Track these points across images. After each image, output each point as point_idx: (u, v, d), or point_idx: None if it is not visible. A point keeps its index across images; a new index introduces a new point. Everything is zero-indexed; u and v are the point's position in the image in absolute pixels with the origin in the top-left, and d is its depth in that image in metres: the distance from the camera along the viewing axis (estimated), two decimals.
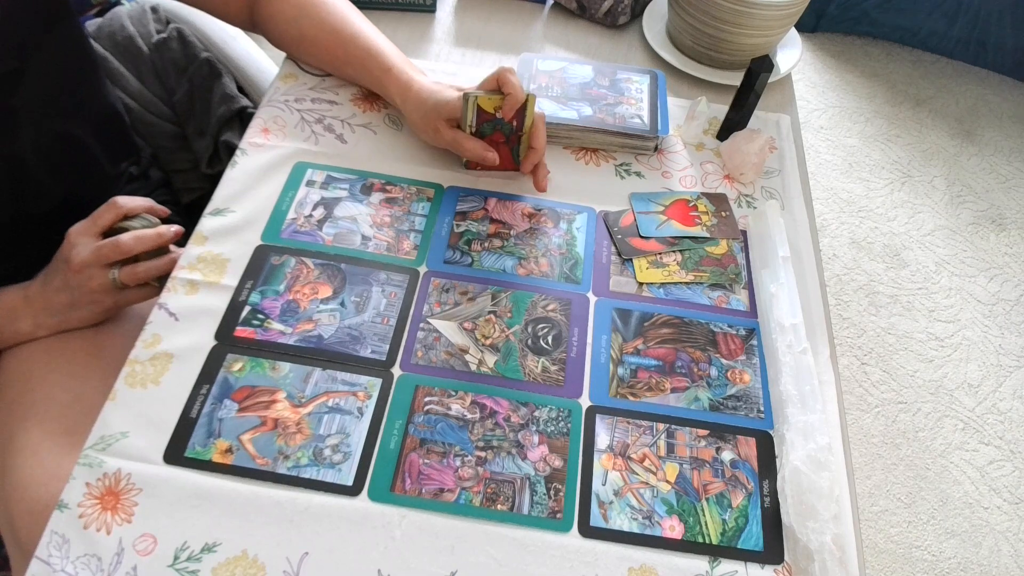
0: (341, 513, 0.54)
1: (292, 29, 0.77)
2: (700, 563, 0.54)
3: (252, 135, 0.75)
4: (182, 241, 0.68)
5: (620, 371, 0.63)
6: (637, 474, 0.58)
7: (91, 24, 0.92)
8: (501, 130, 0.72)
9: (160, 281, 0.68)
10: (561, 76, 0.83)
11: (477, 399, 0.60)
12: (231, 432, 0.57)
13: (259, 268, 0.66)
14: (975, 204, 1.85)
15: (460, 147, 0.71)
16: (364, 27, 0.76)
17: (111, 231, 0.68)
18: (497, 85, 0.69)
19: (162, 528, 0.52)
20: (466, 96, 0.69)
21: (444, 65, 0.87)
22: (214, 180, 0.74)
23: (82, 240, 0.66)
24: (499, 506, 0.55)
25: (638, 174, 0.78)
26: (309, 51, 0.79)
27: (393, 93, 0.74)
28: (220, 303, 0.63)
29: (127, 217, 0.68)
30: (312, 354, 0.61)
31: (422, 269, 0.68)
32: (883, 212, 1.81)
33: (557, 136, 0.79)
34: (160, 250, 0.69)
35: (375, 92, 0.78)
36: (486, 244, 0.70)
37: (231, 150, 0.81)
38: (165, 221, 0.71)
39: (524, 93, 0.68)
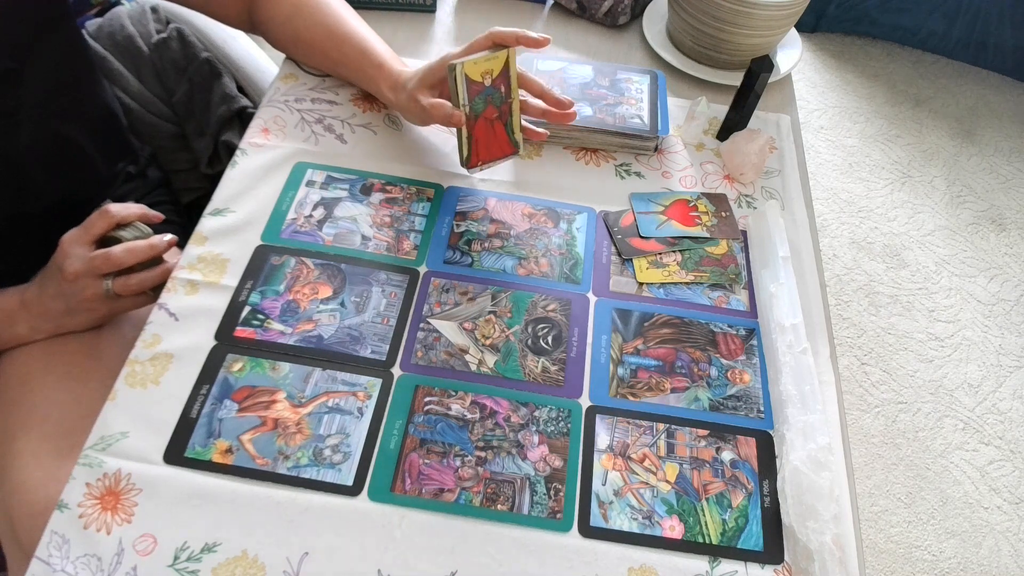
0: (341, 513, 0.54)
1: (288, 30, 0.77)
2: (700, 563, 0.54)
3: (252, 135, 0.75)
4: (181, 242, 0.68)
5: (620, 371, 0.63)
6: (637, 474, 0.58)
7: (91, 24, 0.92)
8: (493, 102, 0.68)
9: (155, 290, 0.68)
10: (561, 76, 0.83)
11: (477, 399, 0.60)
12: (231, 432, 0.57)
13: (259, 268, 0.66)
14: (975, 204, 1.85)
15: (432, 111, 0.67)
16: (358, 27, 0.76)
17: (104, 237, 0.67)
18: (485, 47, 0.66)
19: (162, 528, 0.52)
20: (451, 67, 0.64)
21: None
22: (214, 180, 0.74)
23: (75, 249, 0.65)
24: (499, 506, 0.55)
25: (638, 174, 0.78)
26: (305, 52, 0.79)
27: (385, 89, 0.73)
28: (220, 303, 0.63)
29: (120, 225, 0.68)
30: (312, 354, 0.61)
31: (422, 269, 0.68)
32: (883, 212, 1.81)
33: (557, 136, 0.79)
34: (154, 260, 0.68)
35: (370, 92, 0.78)
36: (486, 244, 0.70)
37: (231, 150, 0.81)
38: (160, 227, 0.71)
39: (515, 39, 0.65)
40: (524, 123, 0.72)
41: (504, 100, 0.69)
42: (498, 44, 0.66)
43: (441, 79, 0.67)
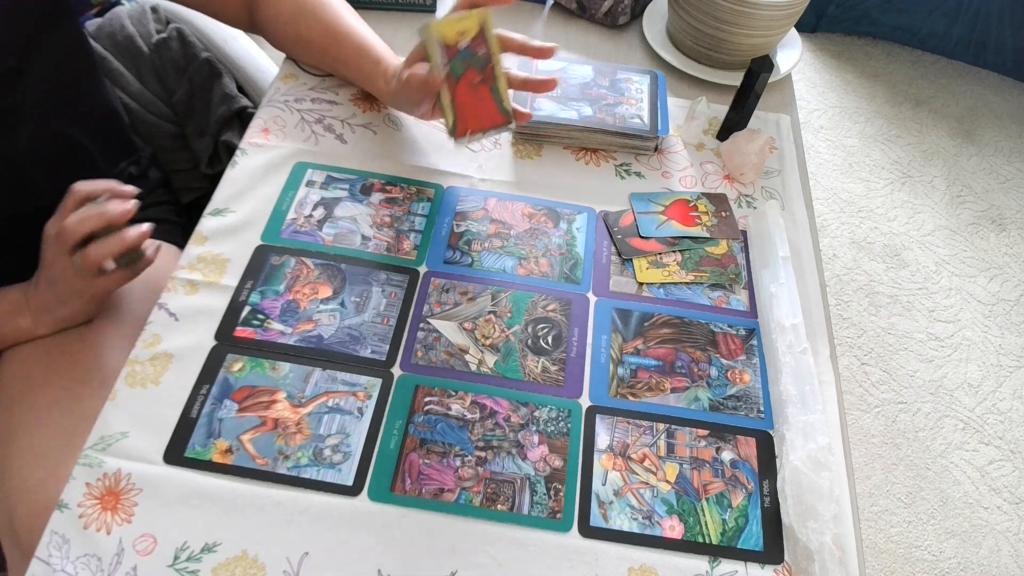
0: (341, 513, 0.54)
1: (289, 30, 0.77)
2: (700, 563, 0.54)
3: (252, 135, 0.75)
4: (181, 242, 0.68)
5: (620, 371, 0.63)
6: (637, 474, 0.58)
7: (91, 24, 0.92)
8: (473, 64, 0.64)
9: (126, 259, 0.64)
10: (561, 76, 0.82)
11: (477, 399, 0.60)
12: (231, 432, 0.57)
13: (259, 268, 0.66)
14: (975, 204, 1.85)
15: (410, 81, 0.65)
16: (357, 26, 0.76)
17: (91, 235, 0.65)
18: (467, 6, 0.63)
19: (162, 528, 0.52)
20: (422, 29, 0.61)
21: None
22: (214, 180, 0.74)
23: (49, 233, 0.64)
24: (499, 506, 0.55)
25: (638, 174, 0.78)
26: (306, 51, 0.79)
27: (381, 83, 0.73)
28: (220, 303, 0.63)
29: (89, 201, 0.64)
30: (312, 354, 0.61)
31: (422, 269, 0.68)
32: (883, 212, 1.81)
33: (557, 136, 0.79)
34: (115, 228, 0.63)
35: (368, 90, 0.78)
36: (486, 244, 0.70)
37: (231, 150, 0.81)
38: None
39: None
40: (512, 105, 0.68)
41: (486, 63, 0.64)
42: (474, 5, 0.63)
43: (423, 55, 0.65)
